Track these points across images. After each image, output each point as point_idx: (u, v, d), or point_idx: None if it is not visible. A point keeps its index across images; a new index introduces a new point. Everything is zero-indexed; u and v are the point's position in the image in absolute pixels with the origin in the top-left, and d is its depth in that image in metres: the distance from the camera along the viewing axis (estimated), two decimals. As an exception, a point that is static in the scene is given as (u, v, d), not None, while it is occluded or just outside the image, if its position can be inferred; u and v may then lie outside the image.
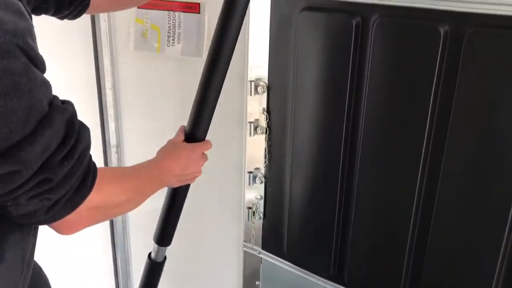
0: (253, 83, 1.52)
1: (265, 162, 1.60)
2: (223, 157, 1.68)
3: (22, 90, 0.67)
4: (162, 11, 1.56)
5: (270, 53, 1.48)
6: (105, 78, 1.70)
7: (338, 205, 1.49)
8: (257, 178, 1.64)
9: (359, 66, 1.32)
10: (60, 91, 1.80)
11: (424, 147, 1.27)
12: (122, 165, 1.86)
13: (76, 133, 0.78)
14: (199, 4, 1.52)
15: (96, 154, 1.87)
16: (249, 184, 1.65)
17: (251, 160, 1.63)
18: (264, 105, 1.54)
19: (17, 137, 0.68)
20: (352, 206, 1.47)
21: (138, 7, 1.58)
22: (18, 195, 0.72)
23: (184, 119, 1.75)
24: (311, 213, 1.56)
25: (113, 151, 1.82)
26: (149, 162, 1.10)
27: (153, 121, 1.76)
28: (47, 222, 0.81)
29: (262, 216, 1.68)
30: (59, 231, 0.85)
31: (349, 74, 1.32)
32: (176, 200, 1.30)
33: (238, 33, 1.11)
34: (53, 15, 1.16)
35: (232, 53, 1.11)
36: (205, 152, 1.27)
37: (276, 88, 1.51)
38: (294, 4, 1.37)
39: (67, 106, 0.79)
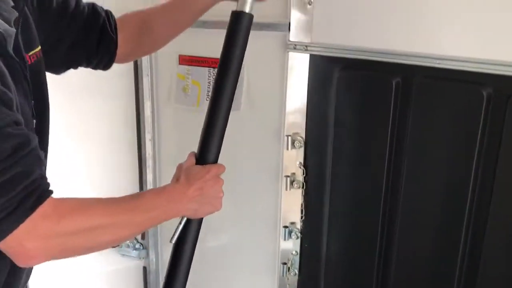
0: (290, 137, 1.53)
1: (301, 217, 1.59)
2: (258, 211, 1.67)
3: None
4: (203, 68, 1.61)
5: (308, 108, 1.49)
6: (145, 130, 1.75)
7: (377, 265, 1.45)
8: (292, 233, 1.61)
9: (399, 124, 1.31)
10: (101, 141, 1.84)
11: (468, 204, 1.24)
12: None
13: (18, 156, 0.79)
14: (239, 61, 1.57)
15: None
16: (285, 239, 1.62)
17: (286, 215, 1.62)
18: (301, 159, 1.54)
19: None
20: (392, 266, 1.43)
21: (179, 64, 1.64)
22: None
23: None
24: (349, 272, 1.52)
25: (149, 201, 1.85)
26: (154, 189, 1.04)
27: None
28: None
29: (297, 272, 1.64)
30: (13, 259, 0.83)
31: (389, 132, 1.32)
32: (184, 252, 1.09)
33: (243, 53, 1.12)
34: (85, 66, 1.18)
35: (238, 76, 1.11)
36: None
37: (314, 143, 1.51)
38: (333, 62, 1.39)
39: (18, 135, 0.80)
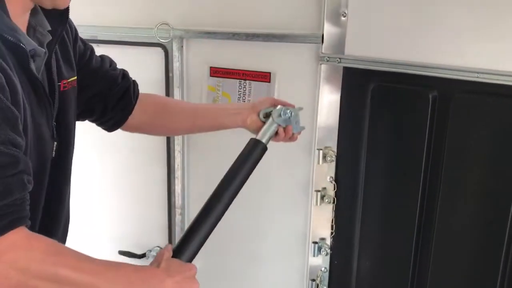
0: (321, 151, 1.50)
1: (331, 233, 1.55)
2: (288, 225, 1.64)
3: None
4: (234, 80, 1.60)
5: (341, 122, 1.46)
6: (175, 141, 1.75)
7: (411, 282, 1.40)
8: (322, 249, 1.58)
9: (435, 140, 1.27)
10: (132, 151, 1.84)
11: (509, 226, 1.18)
12: (185, 227, 1.87)
13: (0, 176, 0.78)
14: (270, 73, 1.55)
15: (160, 214, 1.92)
16: (314, 255, 1.59)
17: (316, 230, 1.58)
18: (333, 174, 1.50)
19: None
20: (426, 284, 1.37)
21: (210, 76, 1.63)
22: None
23: (247, 185, 1.74)
24: (381, 290, 1.48)
25: (177, 212, 1.84)
26: (132, 265, 0.94)
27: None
28: None
29: (326, 289, 1.60)
30: None
31: (425, 149, 1.27)
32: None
33: (249, 174, 1.19)
34: (96, 119, 1.22)
35: (237, 192, 1.16)
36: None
37: (346, 158, 1.48)
38: (367, 75, 1.36)
39: (7, 153, 0.79)
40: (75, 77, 1.07)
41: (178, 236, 1.86)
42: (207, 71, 1.64)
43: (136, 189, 1.88)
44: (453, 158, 1.25)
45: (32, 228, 0.84)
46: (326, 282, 1.60)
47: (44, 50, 0.94)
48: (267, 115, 1.24)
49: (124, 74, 1.25)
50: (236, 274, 1.78)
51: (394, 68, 1.30)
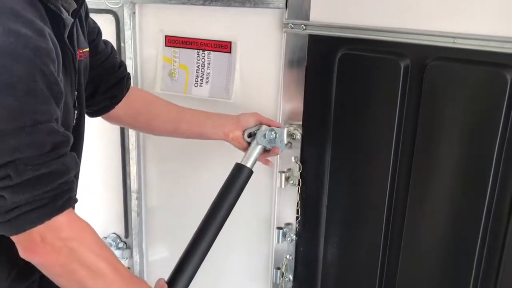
0: (286, 129, 1.36)
1: (297, 217, 1.43)
2: (251, 210, 1.51)
3: (14, 91, 0.74)
4: (191, 50, 1.46)
5: (306, 96, 1.33)
6: (129, 120, 1.60)
7: (380, 272, 1.30)
8: (287, 235, 1.46)
9: (407, 113, 1.16)
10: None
11: (486, 206, 1.08)
12: (142, 212, 1.74)
13: (57, 154, 0.80)
14: (230, 42, 1.41)
15: (116, 198, 1.78)
16: (278, 242, 1.47)
17: (281, 215, 1.46)
18: (298, 154, 1.38)
19: None
20: (395, 272, 1.27)
21: (166, 45, 1.49)
22: None
23: (207, 163, 1.62)
24: (348, 279, 1.36)
25: (133, 196, 1.71)
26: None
27: (175, 167, 1.64)
28: (6, 227, 0.81)
29: (291, 278, 1.48)
30: (21, 250, 0.84)
31: (396, 122, 1.16)
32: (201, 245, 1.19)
33: (236, 201, 1.23)
34: (87, 100, 1.18)
35: (225, 219, 1.20)
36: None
37: (312, 135, 1.35)
38: (334, 43, 1.24)
39: (62, 133, 0.82)
40: (88, 49, 1.08)
41: (134, 222, 1.73)
42: (162, 41, 1.49)
43: (89, 170, 1.73)
44: (427, 131, 1.14)
45: None
46: (291, 270, 1.49)
47: (72, 19, 0.94)
48: (251, 135, 1.27)
49: (122, 64, 1.26)
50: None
51: (362, 35, 1.18)
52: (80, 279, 0.86)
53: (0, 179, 0.77)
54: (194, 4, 1.38)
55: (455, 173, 1.13)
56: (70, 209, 0.85)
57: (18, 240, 0.83)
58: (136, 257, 1.77)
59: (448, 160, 1.13)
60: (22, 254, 0.84)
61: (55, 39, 0.83)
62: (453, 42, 1.07)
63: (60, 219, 0.82)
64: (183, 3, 1.40)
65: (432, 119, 1.13)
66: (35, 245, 0.82)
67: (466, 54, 1.07)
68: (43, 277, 0.91)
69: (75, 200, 0.87)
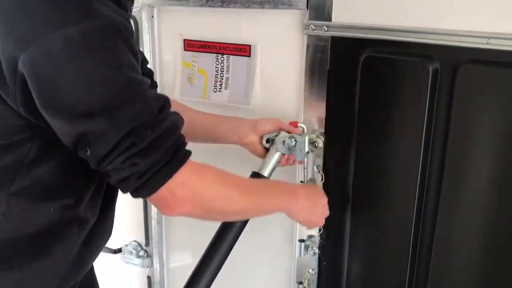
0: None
1: (319, 229, 1.35)
2: (272, 222, 1.44)
3: (121, 67, 0.81)
4: (210, 54, 1.41)
5: (329, 101, 1.26)
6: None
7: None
8: (309, 249, 1.38)
9: (437, 120, 1.07)
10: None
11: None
12: (163, 220, 1.70)
13: (165, 114, 0.87)
14: (250, 46, 1.35)
15: (137, 205, 1.75)
16: (301, 255, 1.40)
17: (303, 227, 1.39)
18: (320, 162, 1.30)
19: (112, 102, 0.81)
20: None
21: (185, 49, 1.44)
22: (114, 158, 0.82)
23: (225, 169, 1.56)
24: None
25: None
26: (284, 182, 1.17)
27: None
28: (141, 191, 0.86)
29: (314, 293, 1.41)
30: (160, 209, 0.91)
31: (425, 130, 1.08)
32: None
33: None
34: None
35: (241, 231, 1.18)
36: None
37: (335, 143, 1.28)
38: (358, 45, 1.16)
39: (162, 95, 0.89)
40: None
41: (154, 230, 1.69)
42: (180, 45, 1.45)
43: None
44: (459, 140, 1.04)
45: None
46: (314, 285, 1.41)
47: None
48: (269, 141, 1.22)
49: (152, 72, 1.26)
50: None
51: (387, 36, 1.10)
52: (220, 211, 0.98)
53: (127, 148, 0.82)
54: (213, 6, 1.34)
55: (489, 188, 1.03)
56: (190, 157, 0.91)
57: (155, 201, 0.89)
58: (157, 265, 1.73)
59: (482, 173, 1.03)
60: (163, 212, 0.91)
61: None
62: (487, 43, 0.97)
63: (183, 171, 0.88)
64: (201, 6, 1.35)
65: (464, 127, 1.04)
66: (171, 202, 0.88)
67: (501, 56, 0.97)
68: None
69: (190, 151, 0.91)
